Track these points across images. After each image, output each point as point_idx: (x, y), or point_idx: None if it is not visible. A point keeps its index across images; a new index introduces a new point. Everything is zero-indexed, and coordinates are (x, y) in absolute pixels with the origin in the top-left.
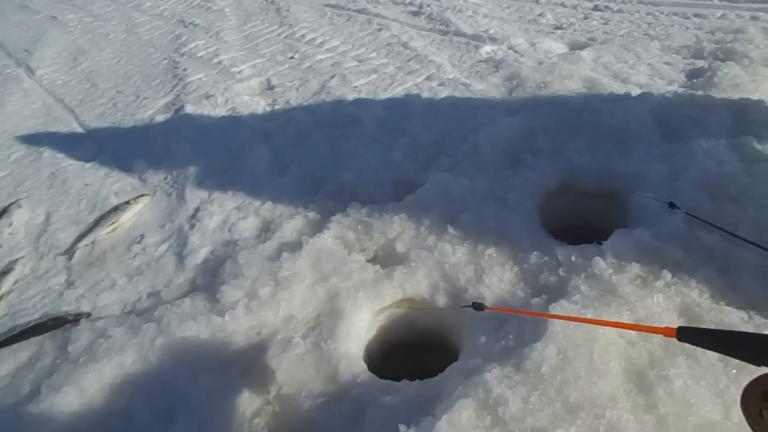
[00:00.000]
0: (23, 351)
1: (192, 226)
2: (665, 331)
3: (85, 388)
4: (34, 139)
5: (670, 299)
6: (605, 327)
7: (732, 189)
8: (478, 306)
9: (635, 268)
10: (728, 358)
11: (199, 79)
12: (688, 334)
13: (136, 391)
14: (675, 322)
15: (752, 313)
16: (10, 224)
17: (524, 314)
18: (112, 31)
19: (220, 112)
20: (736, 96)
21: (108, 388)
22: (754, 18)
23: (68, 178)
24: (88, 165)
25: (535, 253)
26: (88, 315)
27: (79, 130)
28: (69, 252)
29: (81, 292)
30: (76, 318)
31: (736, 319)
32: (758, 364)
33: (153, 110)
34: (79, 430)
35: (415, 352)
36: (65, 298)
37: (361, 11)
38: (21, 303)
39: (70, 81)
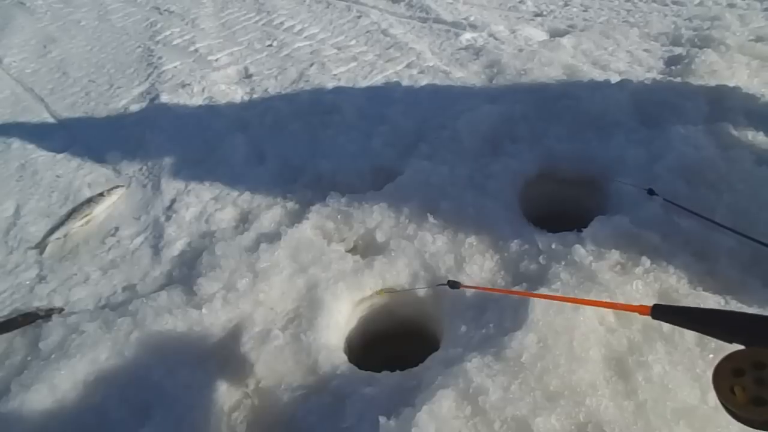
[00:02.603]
0: None
1: (168, 218)
2: (640, 309)
3: (57, 386)
4: (1, 130)
5: (648, 285)
6: (585, 316)
7: (709, 175)
8: (454, 284)
9: (615, 255)
10: (705, 342)
11: (175, 67)
12: (663, 312)
13: (111, 387)
14: None
15: (728, 297)
16: None
17: (499, 292)
18: (84, 17)
19: (197, 101)
20: (713, 82)
21: (81, 385)
22: (731, 5)
23: (39, 169)
24: (60, 156)
25: (515, 241)
26: (61, 310)
27: (50, 120)
28: (40, 246)
29: (53, 287)
30: (48, 313)
31: (713, 304)
32: (730, 341)
33: (127, 99)
34: (51, 428)
35: (396, 343)
36: (36, 294)
37: None
38: None
39: (39, 69)
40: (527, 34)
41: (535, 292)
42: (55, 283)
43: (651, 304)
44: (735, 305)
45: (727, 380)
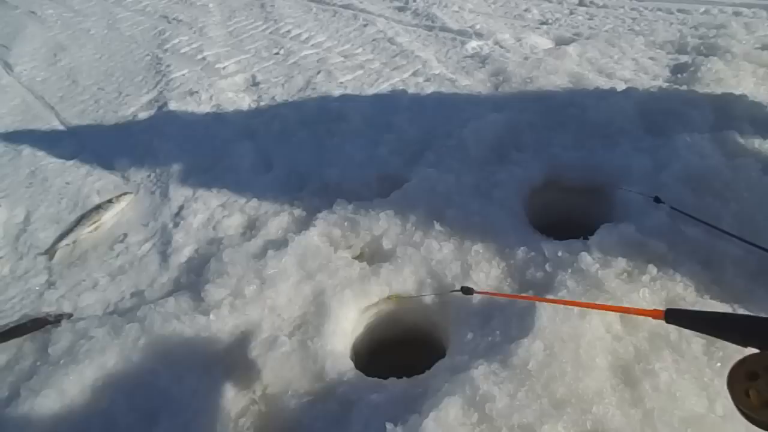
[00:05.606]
0: (1, 354)
1: (176, 225)
2: (653, 314)
3: (65, 391)
4: (12, 137)
5: (655, 293)
6: (591, 323)
7: (715, 183)
8: (467, 290)
9: (621, 263)
10: (712, 350)
11: (183, 75)
12: (676, 316)
13: (118, 392)
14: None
15: (735, 306)
16: None
17: (512, 297)
18: (93, 26)
19: (204, 108)
20: (719, 91)
21: (89, 390)
22: (737, 13)
23: (48, 176)
24: (69, 163)
25: (521, 248)
26: (70, 316)
27: (60, 127)
28: (49, 252)
29: (62, 293)
30: (57, 319)
31: None
32: (744, 344)
33: (136, 107)
34: None
35: (402, 350)
36: (45, 299)
37: (346, 6)
38: None
39: (49, 77)
40: (533, 42)
41: (542, 297)
42: (64, 289)
43: (663, 308)
44: (741, 313)
45: (742, 383)
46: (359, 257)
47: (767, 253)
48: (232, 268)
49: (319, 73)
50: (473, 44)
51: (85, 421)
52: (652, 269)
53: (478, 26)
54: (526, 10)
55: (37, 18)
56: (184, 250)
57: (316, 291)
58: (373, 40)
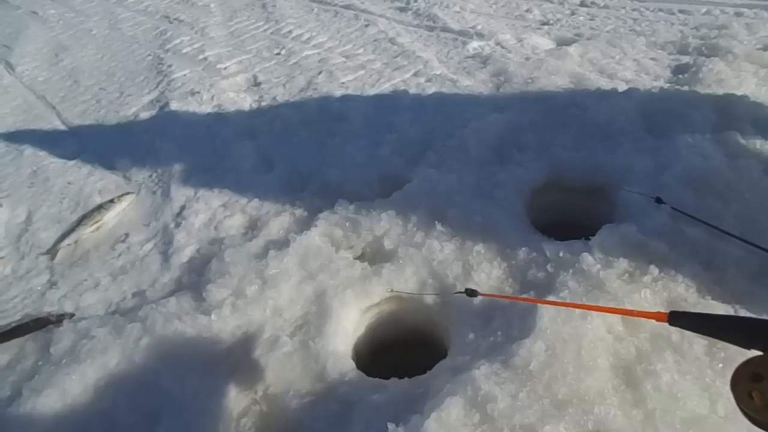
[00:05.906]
0: (3, 353)
1: (177, 225)
2: (657, 316)
3: (67, 390)
4: (14, 137)
5: (657, 294)
6: (593, 324)
7: (716, 184)
8: (471, 292)
9: (623, 264)
10: (714, 351)
11: (184, 75)
12: (680, 319)
13: (120, 392)
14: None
15: (737, 307)
16: None
17: (517, 300)
18: (95, 26)
19: (206, 108)
20: (720, 91)
21: (91, 390)
22: (738, 14)
23: (50, 176)
24: (71, 163)
25: (522, 249)
26: (71, 315)
27: (61, 127)
28: (51, 251)
29: (63, 293)
30: (59, 319)
31: (722, 313)
32: (748, 347)
33: (137, 107)
34: None
35: (404, 350)
36: (47, 299)
37: (347, 7)
38: (1, 304)
39: (51, 77)
40: (534, 42)
41: (546, 300)
42: (66, 289)
43: (667, 310)
44: (744, 314)
45: (745, 385)
46: (361, 257)
47: None
48: (234, 268)
49: (320, 73)
50: (474, 45)
51: (86, 421)
52: (654, 270)
53: (479, 27)
54: (527, 11)
55: (38, 18)
56: (186, 250)
57: (317, 291)
58: (375, 40)
